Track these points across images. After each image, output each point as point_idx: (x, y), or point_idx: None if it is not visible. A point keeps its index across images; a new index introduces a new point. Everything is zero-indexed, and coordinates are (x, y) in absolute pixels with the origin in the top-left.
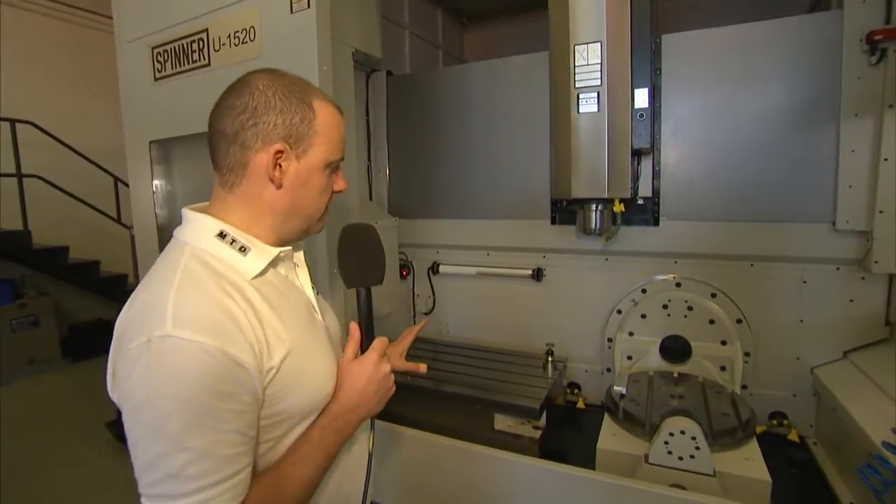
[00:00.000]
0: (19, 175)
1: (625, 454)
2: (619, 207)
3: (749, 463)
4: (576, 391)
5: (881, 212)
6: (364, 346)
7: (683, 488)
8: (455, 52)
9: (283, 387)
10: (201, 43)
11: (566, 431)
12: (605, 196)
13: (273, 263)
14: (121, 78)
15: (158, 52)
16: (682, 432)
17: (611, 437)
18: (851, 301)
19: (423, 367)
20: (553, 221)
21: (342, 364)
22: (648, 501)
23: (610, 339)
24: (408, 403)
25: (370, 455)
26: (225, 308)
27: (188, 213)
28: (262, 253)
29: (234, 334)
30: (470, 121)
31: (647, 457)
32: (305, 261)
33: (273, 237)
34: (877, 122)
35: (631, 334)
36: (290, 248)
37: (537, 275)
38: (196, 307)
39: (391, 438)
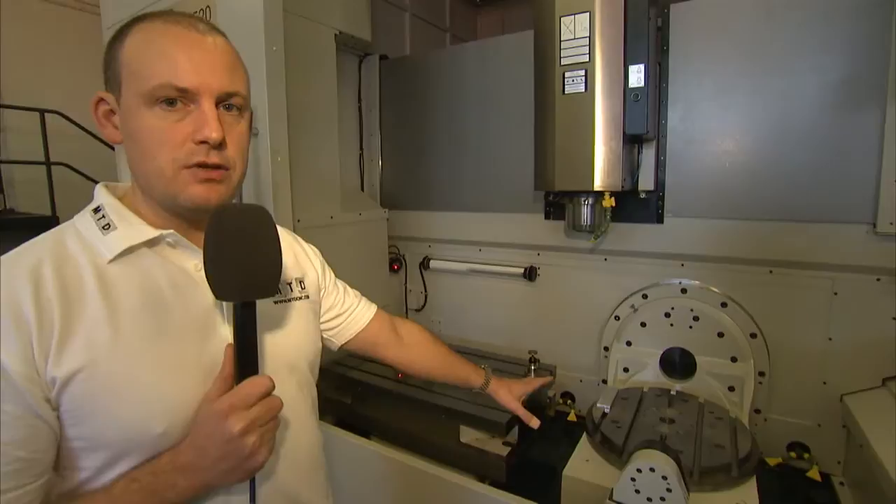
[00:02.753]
0: (48, 163)
1: (593, 485)
2: (609, 202)
3: None
4: (568, 402)
5: None
6: (238, 383)
7: None
8: (466, 35)
9: (78, 406)
10: None
11: (549, 447)
12: (593, 188)
13: (152, 244)
14: None
15: None
16: (652, 469)
17: (582, 464)
18: (895, 319)
19: (535, 422)
20: (547, 216)
21: (200, 405)
22: None
23: (606, 348)
24: (372, 404)
25: None
26: (11, 293)
27: (95, 189)
28: (129, 234)
29: (4, 328)
30: (463, 105)
31: (612, 493)
32: None
33: (152, 213)
34: None
35: (629, 344)
36: (173, 230)
37: (530, 274)
38: None
39: (334, 443)
